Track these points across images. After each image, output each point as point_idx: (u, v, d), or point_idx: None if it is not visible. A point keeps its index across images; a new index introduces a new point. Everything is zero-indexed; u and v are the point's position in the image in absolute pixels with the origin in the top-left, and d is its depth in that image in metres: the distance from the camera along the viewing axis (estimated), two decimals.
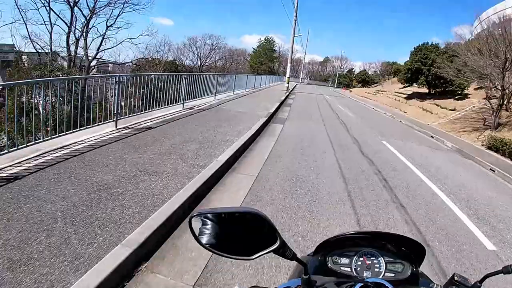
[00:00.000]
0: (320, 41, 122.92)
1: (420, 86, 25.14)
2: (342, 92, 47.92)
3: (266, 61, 58.75)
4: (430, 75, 22.40)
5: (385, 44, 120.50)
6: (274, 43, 63.72)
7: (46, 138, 3.80)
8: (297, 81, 57.10)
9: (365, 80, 55.86)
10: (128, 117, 5.73)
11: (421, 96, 26.71)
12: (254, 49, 64.62)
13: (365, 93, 41.09)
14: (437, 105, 23.40)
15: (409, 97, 28.71)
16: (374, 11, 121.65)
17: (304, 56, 59.74)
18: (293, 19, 23.41)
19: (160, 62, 29.75)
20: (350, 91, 48.82)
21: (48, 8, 20.23)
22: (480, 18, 49.66)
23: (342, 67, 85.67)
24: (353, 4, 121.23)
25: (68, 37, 22.41)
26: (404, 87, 37.10)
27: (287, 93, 21.15)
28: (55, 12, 20.61)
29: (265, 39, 63.26)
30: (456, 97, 23.53)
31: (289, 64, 25.07)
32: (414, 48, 24.56)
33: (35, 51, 19.95)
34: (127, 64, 25.70)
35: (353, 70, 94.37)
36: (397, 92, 32.45)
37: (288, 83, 24.65)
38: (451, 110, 21.25)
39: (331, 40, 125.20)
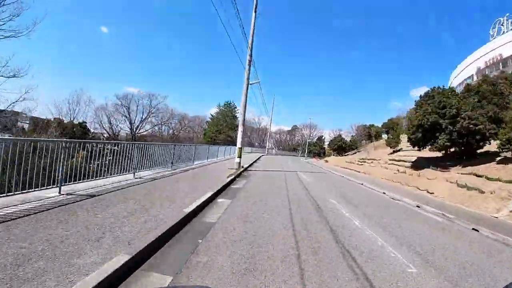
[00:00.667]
0: (286, 110, 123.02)
1: (435, 148, 16.89)
2: (315, 163, 39.84)
3: (225, 129, 51.06)
4: (455, 131, 14.31)
5: (353, 110, 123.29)
6: (236, 109, 57.23)
7: None
8: (263, 151, 48.86)
9: (342, 146, 48.96)
10: None
11: (434, 163, 18.38)
12: (212, 115, 57.48)
13: (347, 162, 32.97)
14: (477, 176, 14.82)
15: (416, 165, 20.39)
16: (340, 79, 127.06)
17: (270, 123, 52.46)
18: (247, 59, 15.40)
19: (49, 124, 19.78)
20: (326, 161, 40.69)
21: None
22: (451, 77, 47.84)
23: (311, 135, 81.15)
24: (318, 72, 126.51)
25: None
26: (394, 151, 29.66)
27: (233, 176, 11.37)
28: None
29: (225, 104, 56.87)
30: (498, 158, 15.40)
31: (240, 128, 16.02)
32: (421, 96, 17.18)
33: None
34: None
35: (323, 137, 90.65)
36: (393, 160, 24.36)
37: (240, 156, 15.23)
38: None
39: (298, 109, 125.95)
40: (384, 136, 42.46)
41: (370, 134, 46.90)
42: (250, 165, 18.41)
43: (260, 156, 35.10)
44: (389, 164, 23.62)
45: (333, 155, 61.82)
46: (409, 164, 21.14)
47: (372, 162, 26.90)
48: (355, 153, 43.87)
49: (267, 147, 49.97)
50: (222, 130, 49.69)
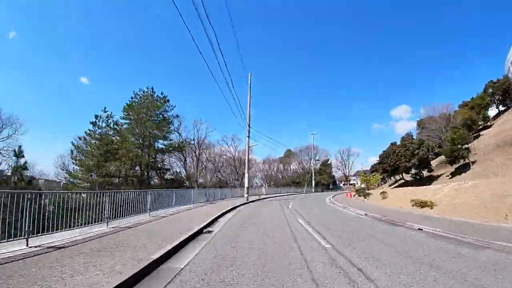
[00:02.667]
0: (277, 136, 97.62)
1: None
2: (413, 221, 13.94)
3: (134, 146, 22.89)
4: None
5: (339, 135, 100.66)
6: (168, 103, 28.50)
7: None
8: (242, 193, 22.16)
9: (425, 160, 22.10)
10: None
11: None
12: (97, 119, 23.73)
13: None
14: None
15: None
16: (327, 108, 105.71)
17: (248, 132, 21.20)
18: None
19: None
20: (420, 204, 13.75)
21: None
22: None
23: (317, 159, 55.85)
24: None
25: None
26: None
27: None
28: None
29: (143, 93, 27.38)
30: None
31: None
32: None
33: None
34: None
35: (329, 161, 65.32)
36: None
37: None
38: None
39: (290, 135, 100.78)
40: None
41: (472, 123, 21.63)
42: None
43: (218, 217, 8.79)
44: None
45: (372, 185, 28.29)
46: None
47: None
48: (461, 168, 17.48)
49: (246, 185, 21.63)
50: (132, 150, 21.86)
